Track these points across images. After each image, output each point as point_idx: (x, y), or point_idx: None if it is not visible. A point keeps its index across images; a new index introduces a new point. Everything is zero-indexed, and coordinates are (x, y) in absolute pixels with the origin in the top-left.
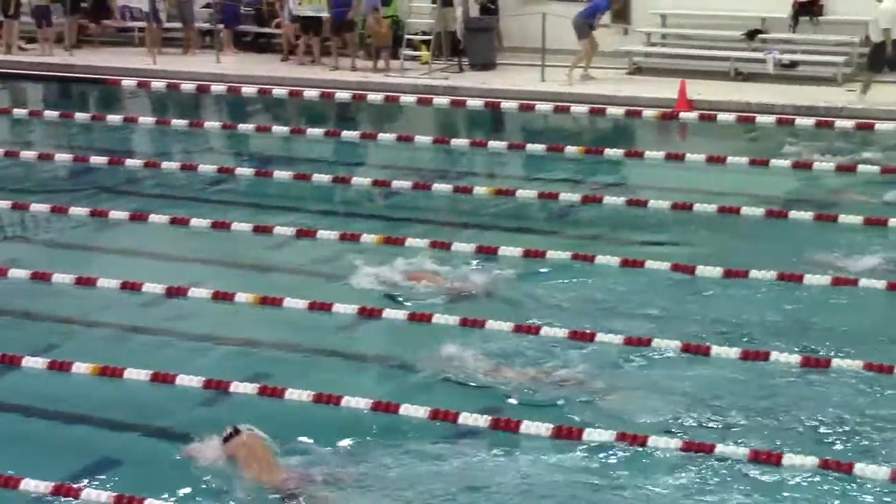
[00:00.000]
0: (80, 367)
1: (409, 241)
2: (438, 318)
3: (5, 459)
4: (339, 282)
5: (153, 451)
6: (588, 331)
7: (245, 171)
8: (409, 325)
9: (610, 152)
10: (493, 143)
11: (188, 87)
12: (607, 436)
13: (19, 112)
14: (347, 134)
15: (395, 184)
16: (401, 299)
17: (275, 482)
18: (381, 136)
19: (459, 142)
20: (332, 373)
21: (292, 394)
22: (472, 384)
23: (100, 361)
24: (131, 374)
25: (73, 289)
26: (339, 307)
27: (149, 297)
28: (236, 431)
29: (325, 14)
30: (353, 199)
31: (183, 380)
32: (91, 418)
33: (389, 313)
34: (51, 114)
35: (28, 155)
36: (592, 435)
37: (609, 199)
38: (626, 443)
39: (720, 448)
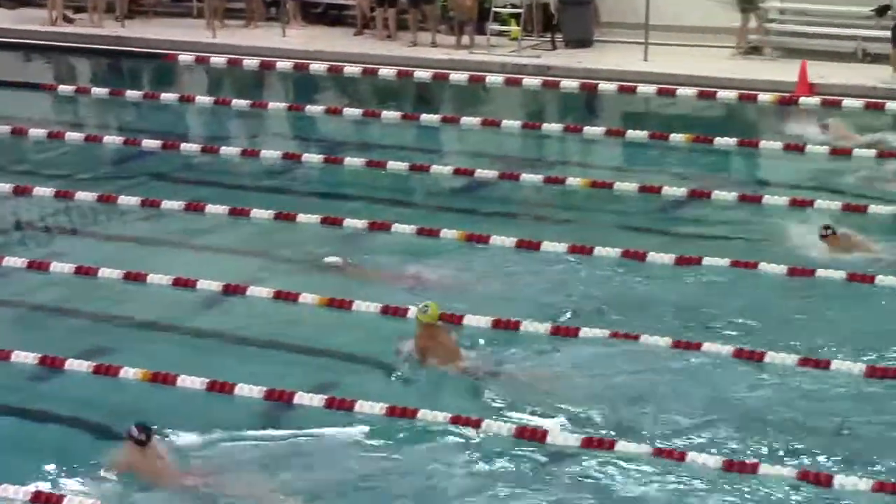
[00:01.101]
0: (129, 373)
1: (494, 238)
2: (527, 326)
3: (49, 471)
4: (416, 282)
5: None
6: (694, 340)
7: (313, 158)
8: (495, 332)
9: (721, 141)
10: (588, 130)
11: (251, 63)
12: (713, 462)
13: (65, 89)
14: (427, 117)
15: (479, 173)
16: (486, 302)
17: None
18: (464, 120)
19: (551, 127)
20: (408, 382)
21: (362, 406)
22: (569, 396)
23: (150, 366)
24: (185, 381)
25: (122, 285)
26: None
27: (204, 296)
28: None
29: None
30: (433, 190)
31: (242, 389)
32: None
33: (471, 320)
34: (99, 91)
35: (73, 137)
36: (696, 458)
37: (719, 195)
38: (735, 471)
39: (839, 479)
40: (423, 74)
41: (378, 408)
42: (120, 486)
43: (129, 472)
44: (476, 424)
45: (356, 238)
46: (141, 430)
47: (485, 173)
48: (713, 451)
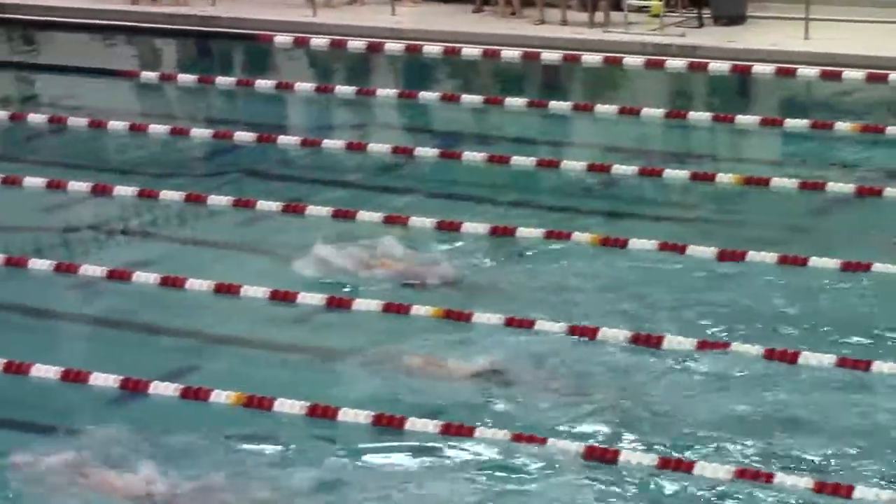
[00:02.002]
0: (220, 396)
1: (633, 242)
2: (670, 341)
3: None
4: (545, 292)
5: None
6: (863, 358)
7: (426, 152)
8: (634, 348)
9: (894, 130)
10: (741, 118)
11: (356, 45)
12: (886, 496)
13: (148, 76)
14: (556, 105)
15: (616, 169)
16: (623, 313)
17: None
18: (598, 107)
19: (698, 116)
20: (543, 408)
21: (483, 433)
22: (720, 424)
23: (244, 388)
24: (283, 405)
25: (212, 298)
26: (543, 325)
27: (305, 310)
28: None
29: None
30: (563, 188)
31: (347, 414)
32: (233, 458)
33: (607, 333)
34: (186, 78)
35: (158, 130)
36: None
37: (891, 192)
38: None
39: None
40: (551, 56)
41: (502, 434)
42: None
43: None
44: (612, 459)
45: (476, 243)
46: None
47: (622, 169)
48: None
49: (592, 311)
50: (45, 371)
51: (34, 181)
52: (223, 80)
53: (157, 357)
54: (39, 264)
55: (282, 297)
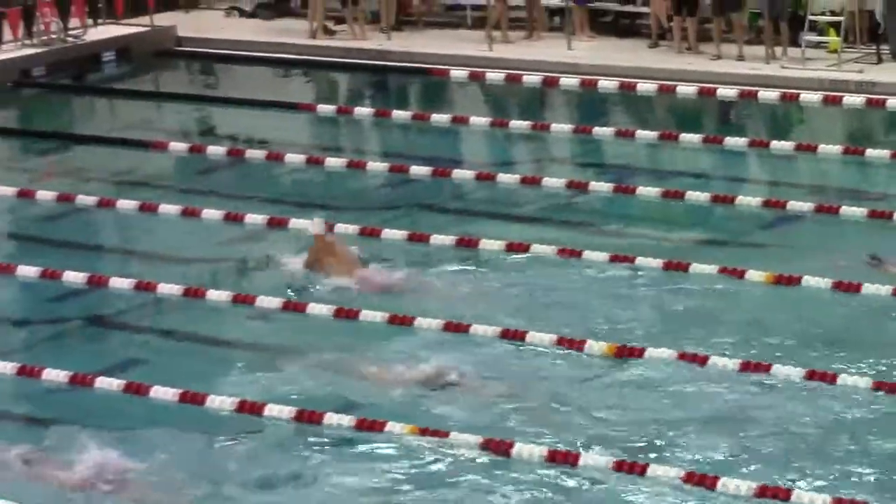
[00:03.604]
0: (395, 427)
1: (807, 280)
2: (844, 379)
3: None
4: (718, 326)
5: None
6: None
7: (601, 187)
8: (810, 384)
9: None
10: None
11: (531, 79)
12: None
13: (324, 109)
14: (731, 141)
15: (792, 206)
16: (798, 350)
17: None
18: (774, 144)
19: (877, 154)
20: (712, 445)
21: (659, 470)
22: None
23: (419, 423)
24: (458, 438)
25: (385, 328)
26: (716, 360)
27: (477, 341)
28: None
29: None
30: (739, 225)
31: (522, 449)
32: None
33: (780, 370)
34: (362, 112)
35: (334, 162)
36: None
37: None
38: None
39: None
40: (727, 92)
41: (674, 473)
42: None
43: None
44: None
45: (648, 279)
46: None
47: (798, 205)
48: None
49: (767, 349)
50: (219, 402)
51: (212, 213)
52: (399, 114)
53: (332, 391)
54: (217, 295)
55: (454, 329)
